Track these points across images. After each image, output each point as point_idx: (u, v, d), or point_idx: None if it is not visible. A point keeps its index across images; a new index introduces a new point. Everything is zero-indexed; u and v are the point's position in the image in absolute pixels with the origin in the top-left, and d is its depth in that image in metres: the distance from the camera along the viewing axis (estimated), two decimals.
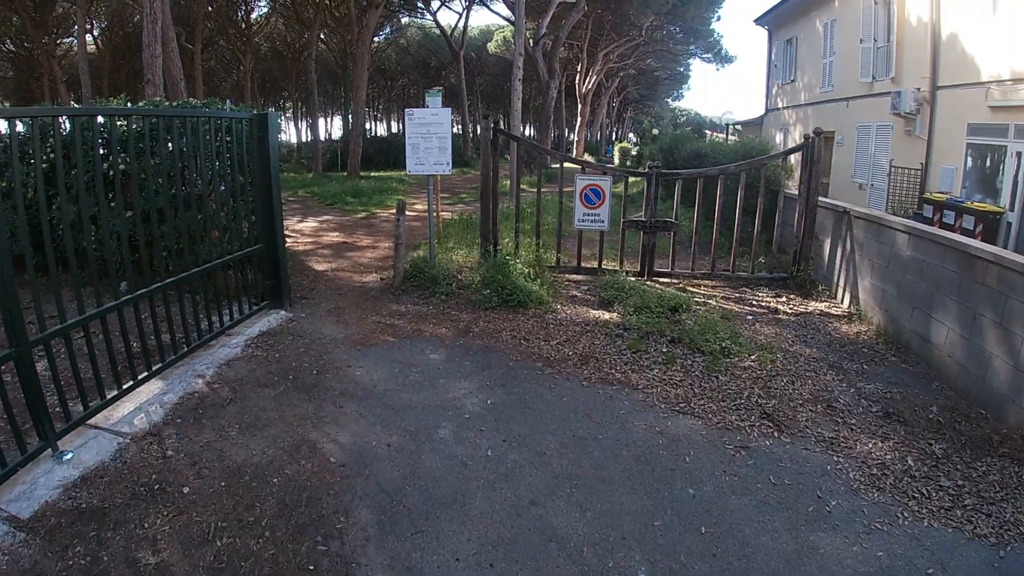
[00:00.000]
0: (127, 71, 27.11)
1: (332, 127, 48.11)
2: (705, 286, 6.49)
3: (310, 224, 11.18)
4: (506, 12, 25.52)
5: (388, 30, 36.14)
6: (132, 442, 3.21)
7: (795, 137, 16.78)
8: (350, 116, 23.01)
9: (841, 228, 6.04)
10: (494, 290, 5.59)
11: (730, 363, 4.41)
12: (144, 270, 3.84)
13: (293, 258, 7.63)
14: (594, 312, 5.53)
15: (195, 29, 21.79)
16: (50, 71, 19.29)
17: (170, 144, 3.94)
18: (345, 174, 21.20)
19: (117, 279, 3.75)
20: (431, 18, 27.57)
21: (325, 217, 12.12)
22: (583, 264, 6.65)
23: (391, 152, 29.27)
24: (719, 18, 29.49)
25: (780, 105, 18.37)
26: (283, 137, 53.16)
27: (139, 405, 3.61)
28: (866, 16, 12.78)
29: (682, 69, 44.22)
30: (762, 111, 20.34)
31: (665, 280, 6.55)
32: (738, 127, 23.63)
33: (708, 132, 35.21)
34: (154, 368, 3.89)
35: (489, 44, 39.86)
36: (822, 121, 15.71)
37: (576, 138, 36.04)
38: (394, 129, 56.10)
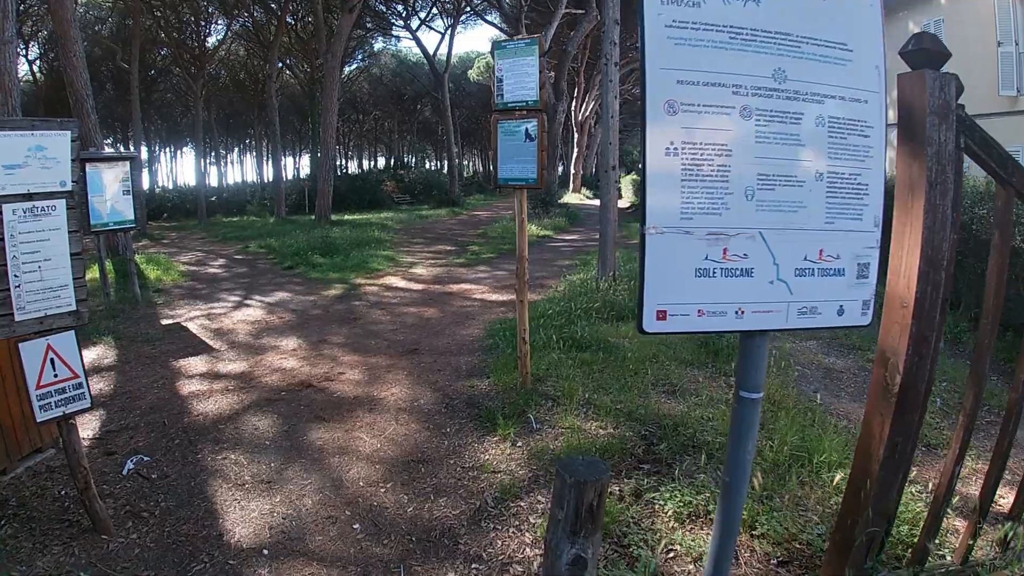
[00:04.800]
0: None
1: (300, 164, 43.53)
2: None
3: (250, 316, 6.64)
4: (504, 25, 21.87)
5: (360, 57, 32.55)
6: None
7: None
8: (318, 151, 18.84)
9: None
10: None
11: None
12: None
13: (183, 470, 3.12)
14: None
15: (132, 48, 17.81)
16: None
17: None
18: (313, 218, 16.86)
19: None
20: (410, 36, 23.77)
21: (278, 297, 7.61)
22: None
23: (366, 191, 25.22)
24: None
25: None
26: (241, 176, 47.50)
27: None
28: (1002, 14, 9.53)
29: None
30: None
31: None
32: None
33: None
34: None
35: (470, 71, 36.36)
36: None
37: (572, 171, 32.41)
38: (366, 166, 51.96)
